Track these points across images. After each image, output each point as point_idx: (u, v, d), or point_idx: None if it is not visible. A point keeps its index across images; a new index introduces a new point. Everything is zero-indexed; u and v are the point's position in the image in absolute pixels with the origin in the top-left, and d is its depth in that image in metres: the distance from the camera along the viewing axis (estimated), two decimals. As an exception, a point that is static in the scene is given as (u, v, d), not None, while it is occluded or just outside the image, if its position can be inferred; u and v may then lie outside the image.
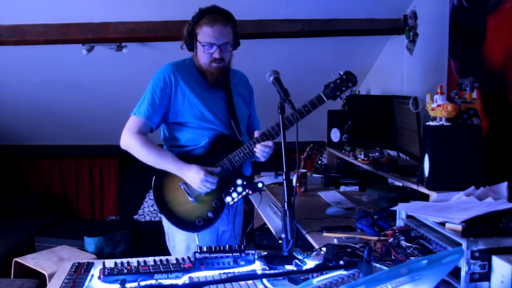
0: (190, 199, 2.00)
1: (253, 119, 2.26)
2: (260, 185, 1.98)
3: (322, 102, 2.01)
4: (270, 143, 1.97)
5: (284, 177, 1.70)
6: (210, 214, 2.01)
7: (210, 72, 2.00)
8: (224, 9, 1.98)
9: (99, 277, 1.47)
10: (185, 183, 2.00)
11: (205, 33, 1.93)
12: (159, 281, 1.46)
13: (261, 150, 1.96)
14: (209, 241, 2.06)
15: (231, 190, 2.00)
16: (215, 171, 1.98)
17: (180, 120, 2.03)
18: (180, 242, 2.06)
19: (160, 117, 2.02)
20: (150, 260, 1.62)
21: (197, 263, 1.54)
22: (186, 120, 2.02)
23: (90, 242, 3.60)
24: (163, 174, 2.02)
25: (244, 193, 2.00)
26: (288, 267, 1.61)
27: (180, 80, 2.00)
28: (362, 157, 2.93)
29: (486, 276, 1.37)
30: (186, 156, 2.02)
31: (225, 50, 1.97)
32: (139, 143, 1.97)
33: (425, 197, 2.04)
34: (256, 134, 2.00)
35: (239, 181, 1.99)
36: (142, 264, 1.56)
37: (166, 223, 2.10)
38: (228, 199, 2.00)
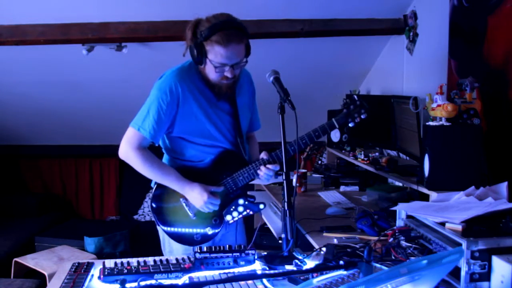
0: (190, 214, 1.96)
1: (254, 120, 2.19)
2: (261, 206, 1.95)
3: (334, 128, 1.95)
4: (276, 167, 1.90)
5: (284, 177, 1.69)
6: (209, 231, 1.98)
7: (219, 87, 1.89)
8: (237, 21, 1.80)
9: (99, 277, 1.47)
10: (186, 199, 1.95)
11: (217, 53, 1.77)
12: (159, 281, 1.46)
13: (265, 174, 1.90)
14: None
15: (231, 209, 1.95)
16: (218, 190, 1.94)
17: (186, 137, 1.94)
18: (179, 247, 2.02)
19: (163, 133, 1.93)
20: (150, 260, 1.62)
21: (197, 263, 1.54)
22: (193, 138, 1.94)
23: (90, 242, 3.60)
24: (163, 187, 1.96)
25: (245, 213, 1.96)
26: (288, 267, 1.61)
27: (187, 93, 1.86)
28: (362, 157, 2.93)
29: (486, 276, 1.37)
30: (189, 171, 1.96)
31: (237, 67, 1.84)
32: (140, 160, 1.89)
33: (425, 197, 2.05)
34: (263, 155, 1.93)
35: (240, 201, 1.95)
36: (142, 264, 1.56)
37: (162, 232, 2.05)
38: (228, 217, 1.96)
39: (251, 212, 1.97)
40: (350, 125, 1.96)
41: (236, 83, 1.97)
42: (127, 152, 1.91)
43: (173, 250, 2.03)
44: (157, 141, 1.93)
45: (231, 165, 1.96)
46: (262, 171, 1.91)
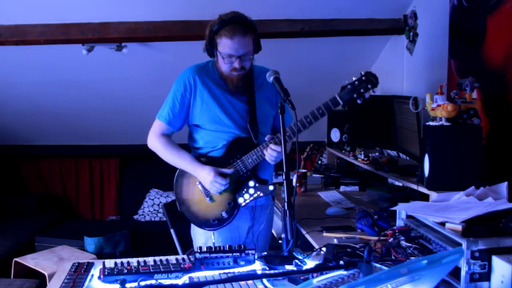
0: (206, 198, 2.07)
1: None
2: (271, 187, 2.02)
3: (337, 105, 1.91)
4: (278, 148, 1.94)
5: (284, 177, 1.70)
6: (224, 214, 2.06)
7: (231, 79, 2.03)
8: (244, 17, 1.97)
9: (99, 277, 1.47)
10: (201, 183, 2.06)
11: (224, 45, 1.95)
12: (159, 281, 1.46)
13: (269, 154, 1.97)
14: (229, 238, 2.11)
15: (243, 191, 2.04)
16: (227, 172, 2.03)
17: (198, 123, 2.09)
18: (199, 237, 2.14)
19: (182, 121, 2.10)
20: (150, 260, 1.63)
21: (197, 263, 1.54)
22: (203, 123, 2.07)
23: (90, 242, 3.60)
24: (183, 174, 2.12)
25: (256, 195, 2.03)
26: (288, 267, 1.61)
27: (200, 84, 2.04)
28: (362, 157, 2.93)
29: (486, 276, 1.37)
30: (204, 158, 2.10)
31: (245, 59, 1.99)
32: (161, 145, 2.09)
33: (425, 197, 2.04)
34: (267, 138, 2.00)
35: (251, 183, 2.03)
36: (142, 264, 1.56)
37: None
38: (241, 200, 2.04)
39: (261, 194, 2.03)
40: (358, 101, 1.88)
41: (250, 74, 2.08)
42: (151, 139, 2.12)
43: (195, 239, 2.18)
44: (175, 127, 2.10)
45: (242, 149, 2.04)
46: (267, 151, 1.98)
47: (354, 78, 1.90)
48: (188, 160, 2.07)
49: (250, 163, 2.03)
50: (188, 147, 2.18)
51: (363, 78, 1.88)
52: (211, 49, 2.00)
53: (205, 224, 2.09)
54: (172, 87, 2.09)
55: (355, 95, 1.88)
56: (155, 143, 2.11)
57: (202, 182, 2.05)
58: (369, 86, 1.87)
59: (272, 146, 1.95)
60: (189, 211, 2.12)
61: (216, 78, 2.07)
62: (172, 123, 2.08)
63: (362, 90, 1.87)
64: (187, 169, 2.09)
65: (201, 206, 2.09)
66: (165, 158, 2.12)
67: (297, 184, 2.86)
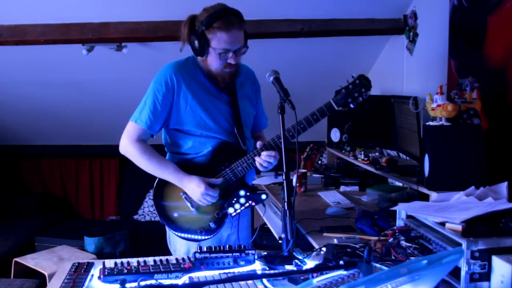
0: (192, 209, 1.94)
1: (260, 118, 2.17)
2: (264, 196, 1.93)
3: (332, 110, 1.87)
4: (272, 153, 1.87)
5: (284, 177, 1.69)
6: (212, 225, 1.95)
7: (222, 77, 1.92)
8: (233, 9, 1.85)
9: (99, 277, 1.47)
10: (186, 193, 1.94)
11: (220, 39, 1.80)
12: (159, 281, 1.46)
13: (261, 162, 1.88)
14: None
15: (233, 201, 1.92)
16: (216, 182, 1.91)
17: (182, 128, 1.95)
18: (181, 247, 2.01)
19: (161, 124, 1.94)
20: (150, 260, 1.62)
21: (197, 263, 1.54)
22: (188, 129, 1.94)
23: (90, 242, 3.60)
24: (164, 183, 1.96)
25: (247, 204, 1.93)
26: (288, 267, 1.60)
27: (183, 84, 1.90)
28: (362, 157, 2.93)
29: (486, 276, 1.37)
30: (188, 164, 1.96)
31: (239, 54, 1.88)
32: (138, 152, 1.91)
33: (425, 197, 2.04)
34: (258, 144, 1.91)
35: (242, 192, 1.92)
36: (142, 264, 1.56)
37: (168, 229, 2.05)
38: (231, 210, 1.93)
39: (253, 203, 1.94)
40: (351, 106, 1.87)
41: (236, 75, 1.98)
42: (126, 145, 1.93)
43: (176, 250, 2.03)
44: (154, 132, 1.94)
45: (230, 156, 1.94)
46: (258, 159, 1.89)
47: (347, 82, 1.88)
48: (172, 170, 1.90)
49: (240, 172, 1.92)
50: (163, 150, 2.05)
51: (357, 82, 1.87)
52: (201, 46, 1.83)
53: (190, 235, 1.95)
54: (150, 87, 1.91)
55: (349, 100, 1.87)
56: (131, 149, 1.91)
57: (190, 195, 1.90)
58: (362, 90, 1.87)
59: (264, 153, 1.86)
60: (173, 223, 1.95)
61: (198, 78, 1.93)
62: (152, 127, 1.90)
63: (356, 95, 1.87)
64: (170, 180, 1.92)
65: (187, 217, 1.95)
66: (142, 167, 1.93)
67: (297, 184, 2.86)
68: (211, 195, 1.87)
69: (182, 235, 1.96)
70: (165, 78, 1.89)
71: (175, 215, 1.96)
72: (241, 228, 2.10)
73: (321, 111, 1.87)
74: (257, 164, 1.90)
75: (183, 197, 1.94)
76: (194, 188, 1.88)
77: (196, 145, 1.96)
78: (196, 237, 1.95)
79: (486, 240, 1.37)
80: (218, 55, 1.84)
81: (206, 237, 1.95)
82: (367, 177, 3.09)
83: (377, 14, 3.21)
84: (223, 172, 1.94)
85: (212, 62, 1.88)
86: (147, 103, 1.90)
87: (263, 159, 1.87)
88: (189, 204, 1.94)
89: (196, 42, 1.84)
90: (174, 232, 1.97)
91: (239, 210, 1.94)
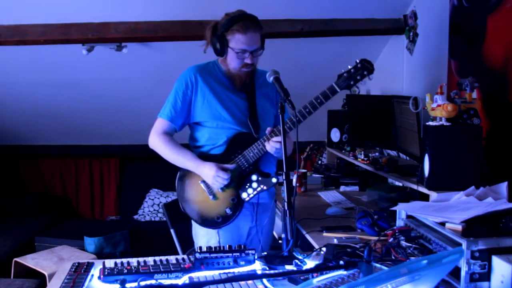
0: (210, 196, 2.07)
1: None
2: (274, 180, 2.00)
3: (335, 92, 1.98)
4: (279, 138, 1.94)
5: (284, 177, 1.70)
6: (228, 211, 2.06)
7: (240, 76, 2.07)
8: (251, 14, 2.03)
9: (99, 277, 1.47)
10: (204, 181, 2.06)
11: (237, 40, 1.98)
12: (159, 281, 1.46)
13: (271, 146, 1.98)
14: (230, 238, 2.10)
15: (246, 186, 2.03)
16: (229, 167, 2.03)
17: (199, 120, 2.10)
18: (201, 238, 2.13)
19: (183, 119, 2.11)
20: (150, 260, 1.63)
21: (197, 263, 1.54)
22: (204, 120, 2.08)
23: (90, 242, 3.60)
24: (184, 175, 2.12)
25: (259, 188, 2.02)
26: (288, 267, 1.61)
27: (201, 81, 2.07)
28: (362, 157, 2.93)
29: (486, 276, 1.37)
30: (205, 156, 2.10)
31: (256, 55, 2.04)
32: (163, 143, 2.09)
33: (425, 197, 2.04)
34: (267, 130, 2.01)
35: (254, 177, 2.03)
36: (142, 264, 1.56)
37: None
38: (244, 195, 2.04)
39: (265, 187, 2.02)
40: (356, 88, 1.96)
41: (254, 74, 2.13)
42: (152, 138, 2.11)
43: (197, 242, 2.17)
44: (177, 125, 2.11)
45: (244, 145, 2.05)
46: (270, 144, 1.98)
47: (349, 67, 1.97)
48: (189, 157, 2.07)
49: (251, 157, 2.03)
50: (189, 147, 2.18)
51: (359, 65, 1.97)
52: (221, 47, 2.01)
53: (209, 222, 2.08)
54: (174, 86, 2.10)
55: (352, 82, 1.95)
56: (156, 141, 2.10)
57: (204, 178, 2.05)
58: (365, 72, 1.96)
59: (274, 138, 1.96)
60: (193, 211, 2.11)
61: (218, 76, 2.10)
62: (174, 120, 2.09)
63: (358, 77, 1.96)
64: (188, 167, 2.08)
65: (205, 204, 2.09)
66: (165, 156, 2.11)
67: (297, 184, 2.86)
68: (221, 176, 1.99)
69: (202, 222, 2.10)
70: (185, 78, 2.08)
71: (194, 202, 2.11)
72: (262, 223, 2.18)
73: (325, 95, 1.97)
74: (268, 149, 1.99)
75: (201, 184, 2.07)
76: (207, 172, 2.02)
77: (212, 136, 2.10)
78: (213, 224, 2.07)
79: (486, 240, 1.38)
80: (236, 55, 2.00)
81: (224, 224, 2.06)
82: (367, 177, 3.09)
83: (377, 14, 3.21)
84: (236, 158, 2.06)
85: (231, 61, 2.04)
86: (169, 100, 2.10)
87: (271, 145, 1.96)
88: (207, 191, 2.06)
89: (217, 44, 2.02)
90: (194, 220, 2.12)
91: (252, 195, 2.03)
